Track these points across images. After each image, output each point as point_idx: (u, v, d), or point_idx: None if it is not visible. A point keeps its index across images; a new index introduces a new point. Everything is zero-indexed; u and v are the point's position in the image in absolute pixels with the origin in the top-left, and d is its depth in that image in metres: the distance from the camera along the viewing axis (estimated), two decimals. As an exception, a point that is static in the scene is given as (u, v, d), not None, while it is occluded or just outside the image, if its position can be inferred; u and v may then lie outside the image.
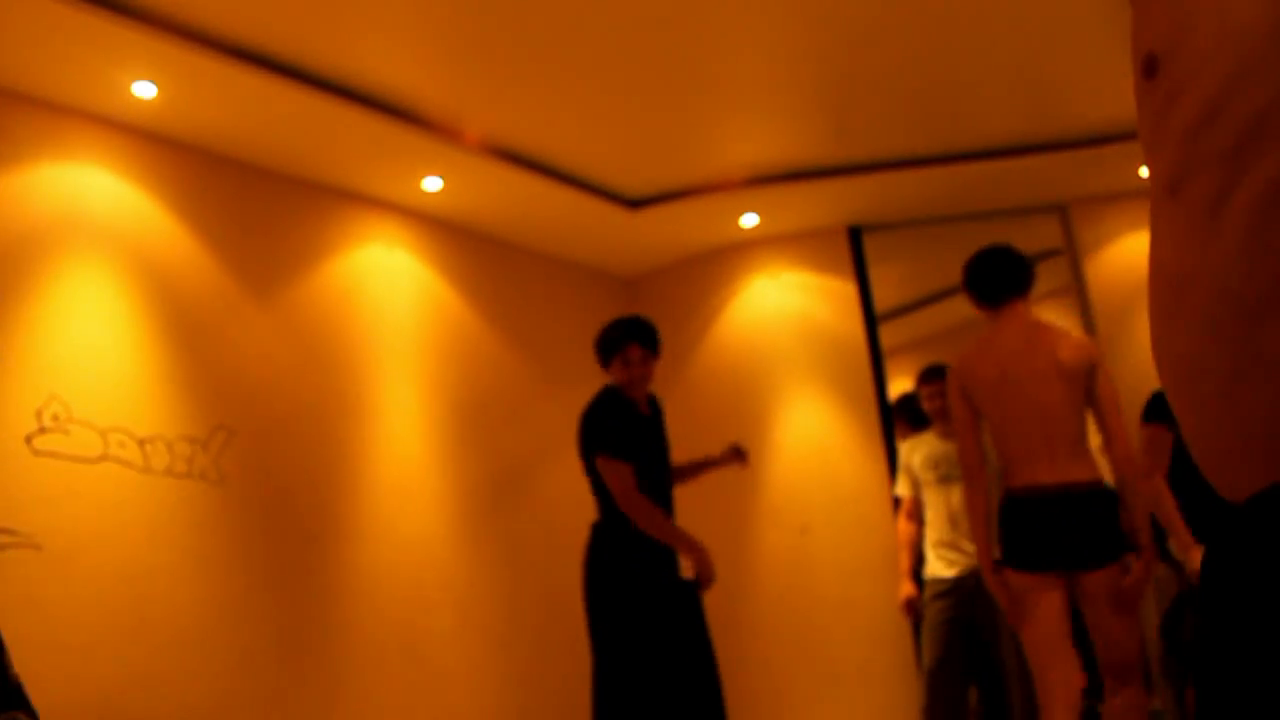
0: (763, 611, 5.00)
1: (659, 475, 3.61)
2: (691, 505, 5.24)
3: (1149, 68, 0.75)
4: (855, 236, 5.19)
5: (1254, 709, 0.68)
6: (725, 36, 3.55)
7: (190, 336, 3.53)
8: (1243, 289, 0.66)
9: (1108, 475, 3.08)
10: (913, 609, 4.24)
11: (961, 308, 6.50)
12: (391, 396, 4.16)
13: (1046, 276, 5.64)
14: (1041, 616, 3.01)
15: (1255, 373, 0.66)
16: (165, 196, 3.58)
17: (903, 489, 4.39)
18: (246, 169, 3.87)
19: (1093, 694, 3.72)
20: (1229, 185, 0.67)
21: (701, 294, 5.37)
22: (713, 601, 5.16)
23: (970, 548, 4.09)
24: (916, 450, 4.33)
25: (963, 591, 4.07)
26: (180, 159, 3.66)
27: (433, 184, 4.26)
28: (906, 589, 4.26)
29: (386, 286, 4.29)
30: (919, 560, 4.26)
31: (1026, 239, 5.60)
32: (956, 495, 4.14)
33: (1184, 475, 3.47)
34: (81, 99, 3.33)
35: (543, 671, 4.42)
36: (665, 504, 3.60)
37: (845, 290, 5.14)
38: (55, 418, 3.11)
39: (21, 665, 2.89)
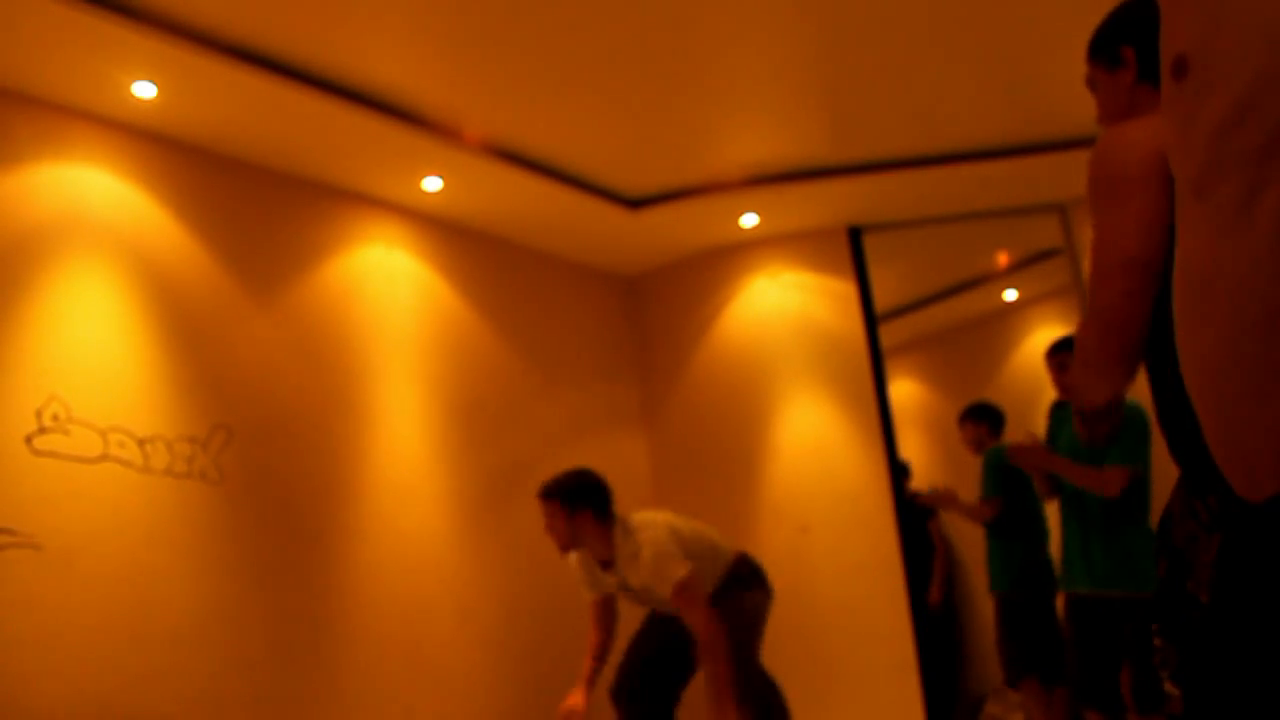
0: (763, 611, 4.99)
1: None
2: (691, 504, 5.24)
3: (1178, 69, 0.75)
4: (855, 236, 5.19)
5: (1269, 701, 0.67)
6: (725, 36, 3.55)
7: (190, 336, 3.53)
8: (1271, 289, 0.66)
9: None
10: None
11: (961, 308, 6.52)
12: (391, 396, 4.16)
13: (1046, 276, 5.66)
14: None
15: None
16: (165, 196, 3.58)
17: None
18: (246, 169, 3.87)
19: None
20: (1258, 185, 0.67)
21: (701, 294, 5.37)
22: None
23: None
24: None
25: None
26: (180, 159, 3.66)
27: (433, 184, 4.26)
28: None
29: (386, 286, 4.29)
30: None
31: (1026, 239, 5.62)
32: None
33: None
34: (81, 99, 3.33)
35: (542, 672, 4.42)
36: None
37: (845, 290, 5.14)
38: (55, 418, 3.11)
39: (21, 665, 2.89)
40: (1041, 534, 4.32)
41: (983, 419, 4.82)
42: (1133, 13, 1.58)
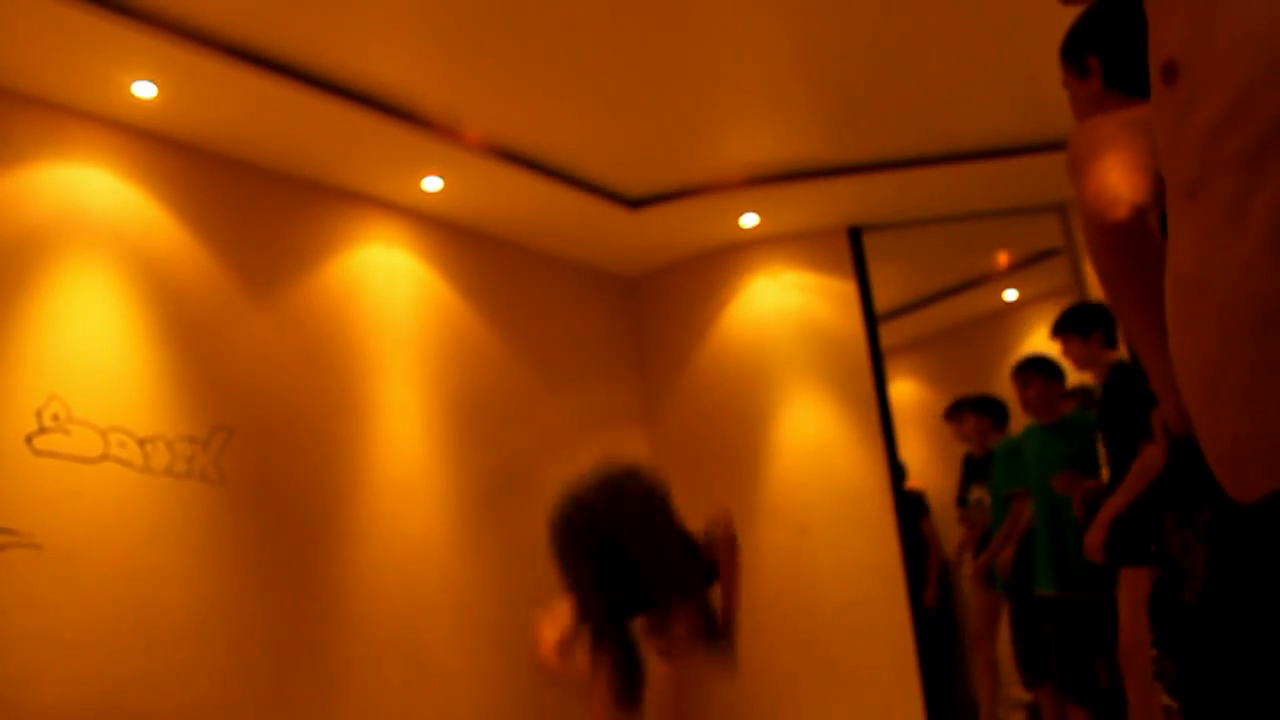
0: (763, 611, 5.00)
1: None
2: (692, 504, 5.24)
3: (1168, 73, 0.75)
4: (855, 236, 5.19)
5: (1263, 700, 0.68)
6: (725, 36, 3.55)
7: (190, 336, 3.53)
8: (1265, 290, 0.66)
9: None
10: None
11: (961, 308, 6.52)
12: (392, 396, 4.16)
13: (1046, 276, 5.66)
14: None
15: (1276, 373, 0.66)
16: (165, 196, 3.58)
17: None
18: (247, 169, 3.87)
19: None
20: (1251, 187, 0.67)
21: (701, 294, 5.37)
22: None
23: None
24: None
25: None
26: (180, 159, 3.66)
27: (433, 184, 4.26)
28: None
29: (386, 286, 4.29)
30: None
31: (1026, 239, 5.62)
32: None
33: None
34: (81, 99, 3.33)
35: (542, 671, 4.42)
36: None
37: (845, 290, 5.14)
38: (55, 418, 3.11)
39: (21, 665, 2.89)
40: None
41: (987, 412, 4.81)
42: (1098, 20, 1.58)
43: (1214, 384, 0.71)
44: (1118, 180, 1.03)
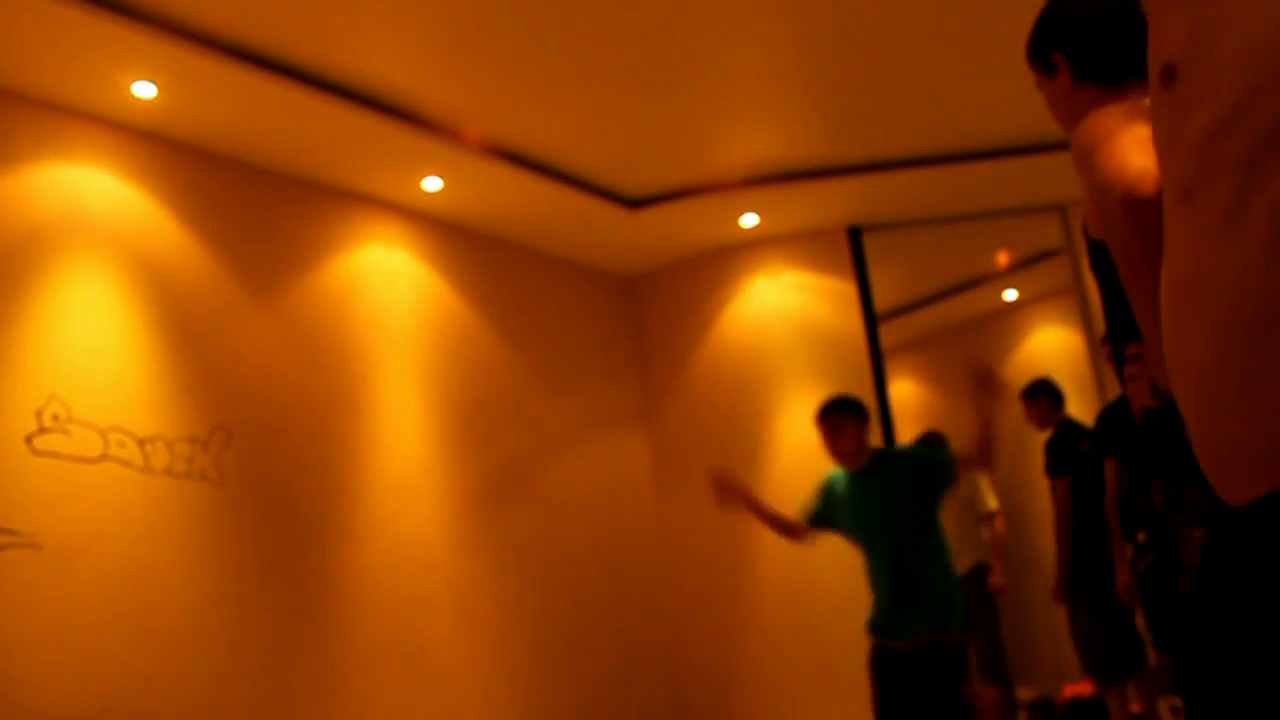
0: (763, 611, 5.00)
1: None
2: (692, 504, 5.25)
3: (1166, 76, 0.75)
4: (855, 236, 5.19)
5: (1253, 704, 0.68)
6: (725, 37, 3.55)
7: (190, 336, 3.53)
8: (1262, 291, 0.66)
9: None
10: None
11: (961, 308, 6.51)
12: (391, 396, 4.16)
13: (1046, 276, 5.66)
14: None
15: (1270, 376, 0.66)
16: (165, 196, 3.58)
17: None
18: (246, 169, 3.87)
19: None
20: (1249, 189, 0.67)
21: (701, 294, 5.37)
22: (714, 601, 5.17)
23: None
24: None
25: None
26: (180, 159, 3.66)
27: (433, 184, 4.26)
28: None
29: (386, 286, 4.29)
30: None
31: (1026, 239, 5.63)
32: None
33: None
34: (81, 99, 3.33)
35: (542, 671, 4.42)
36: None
37: (845, 290, 5.14)
38: (55, 418, 3.11)
39: (21, 665, 2.89)
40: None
41: (1039, 394, 4.65)
42: (1055, 16, 1.57)
43: (1207, 385, 0.71)
44: (1140, 158, 1.02)
